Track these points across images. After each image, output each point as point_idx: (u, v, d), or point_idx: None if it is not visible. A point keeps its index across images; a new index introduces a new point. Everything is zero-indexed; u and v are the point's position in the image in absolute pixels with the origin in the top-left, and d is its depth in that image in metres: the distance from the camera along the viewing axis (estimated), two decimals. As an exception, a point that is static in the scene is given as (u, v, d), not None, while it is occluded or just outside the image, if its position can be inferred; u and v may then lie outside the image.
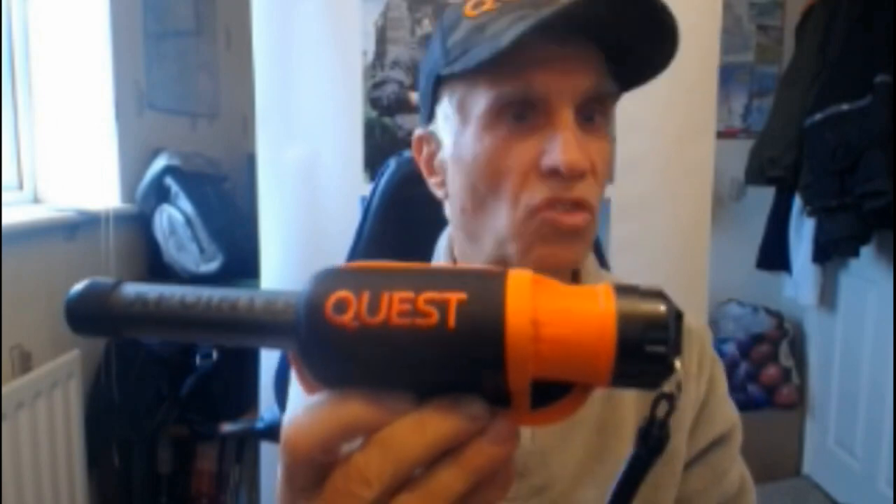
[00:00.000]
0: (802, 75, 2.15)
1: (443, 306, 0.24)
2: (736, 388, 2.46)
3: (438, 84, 0.57)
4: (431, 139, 0.60)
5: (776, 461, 2.49)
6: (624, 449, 0.33)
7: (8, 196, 1.63)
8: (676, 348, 0.25)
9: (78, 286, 0.28)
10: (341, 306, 0.25)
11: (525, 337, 0.24)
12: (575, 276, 0.62)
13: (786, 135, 2.15)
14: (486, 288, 0.24)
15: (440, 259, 0.65)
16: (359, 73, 1.40)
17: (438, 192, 0.62)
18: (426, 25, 1.40)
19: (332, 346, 0.25)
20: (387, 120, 1.42)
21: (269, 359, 1.44)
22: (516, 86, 0.51)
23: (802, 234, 2.27)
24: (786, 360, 2.51)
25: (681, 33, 0.50)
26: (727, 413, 0.64)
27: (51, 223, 1.58)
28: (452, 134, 0.56)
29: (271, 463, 1.48)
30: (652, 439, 0.30)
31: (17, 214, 1.51)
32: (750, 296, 2.67)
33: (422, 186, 0.64)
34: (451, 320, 0.24)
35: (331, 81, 1.40)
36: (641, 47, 0.51)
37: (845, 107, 1.91)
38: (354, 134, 1.41)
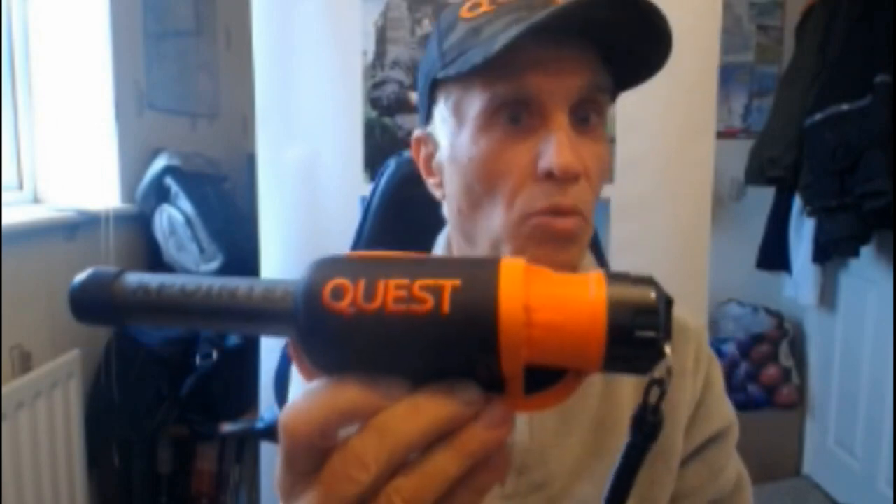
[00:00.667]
0: (802, 75, 2.16)
1: (437, 292, 0.25)
2: (736, 388, 2.46)
3: (435, 86, 0.58)
4: (429, 140, 0.61)
5: (776, 461, 2.49)
6: (621, 445, 0.33)
7: (8, 196, 1.63)
8: (667, 333, 0.25)
9: (81, 275, 0.28)
10: (338, 293, 0.25)
11: (518, 321, 0.24)
12: None
13: (786, 135, 2.15)
14: (479, 274, 0.25)
15: None
16: (359, 73, 1.40)
17: (437, 193, 0.62)
18: (426, 25, 1.40)
19: (330, 332, 0.25)
20: (387, 120, 1.42)
21: (269, 359, 1.44)
22: (510, 87, 0.51)
23: (802, 234, 2.27)
24: (786, 360, 2.51)
25: (674, 33, 0.50)
26: (724, 411, 0.65)
27: (51, 223, 1.59)
28: (449, 136, 0.56)
29: (271, 463, 1.48)
30: (646, 425, 0.31)
31: (17, 214, 1.51)
32: (750, 296, 2.67)
33: (422, 187, 0.64)
34: (446, 306, 0.24)
35: (331, 81, 1.40)
36: (635, 48, 0.52)
37: (845, 107, 1.92)
38: (354, 134, 1.41)
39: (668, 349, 0.25)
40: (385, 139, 1.42)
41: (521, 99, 0.51)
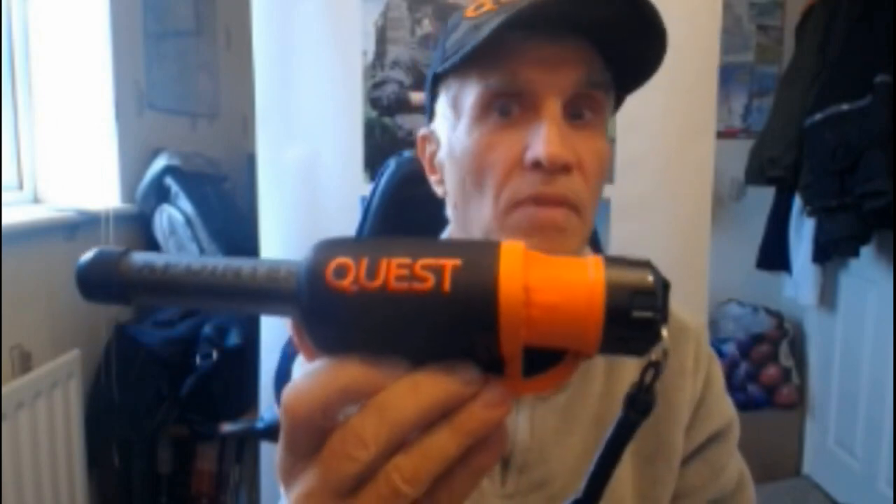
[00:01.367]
0: (802, 75, 2.16)
1: (438, 271, 0.25)
2: (736, 388, 2.46)
3: (437, 83, 0.58)
4: (432, 138, 0.61)
5: (776, 461, 2.50)
6: None
7: (8, 196, 1.63)
8: (663, 315, 0.25)
9: (87, 254, 0.29)
10: (341, 271, 0.25)
11: (517, 301, 0.24)
12: None
13: (786, 135, 2.15)
14: (480, 255, 0.25)
15: None
16: (359, 73, 1.40)
17: (439, 190, 0.62)
18: (426, 25, 1.40)
19: (333, 310, 0.26)
20: (387, 120, 1.42)
21: (269, 359, 1.44)
22: (503, 78, 0.51)
23: (802, 234, 2.27)
24: (786, 360, 2.51)
25: (674, 34, 0.50)
26: (724, 409, 0.65)
27: (51, 223, 1.59)
28: (447, 130, 0.57)
29: (271, 463, 1.48)
30: (640, 404, 0.31)
31: (17, 214, 1.51)
32: (750, 296, 2.67)
33: (422, 186, 0.64)
34: (447, 285, 0.25)
35: (331, 81, 1.40)
36: (630, 44, 0.52)
37: (845, 107, 1.92)
38: (354, 134, 1.41)
39: (664, 331, 0.25)
40: (385, 139, 1.42)
41: (513, 90, 0.52)
